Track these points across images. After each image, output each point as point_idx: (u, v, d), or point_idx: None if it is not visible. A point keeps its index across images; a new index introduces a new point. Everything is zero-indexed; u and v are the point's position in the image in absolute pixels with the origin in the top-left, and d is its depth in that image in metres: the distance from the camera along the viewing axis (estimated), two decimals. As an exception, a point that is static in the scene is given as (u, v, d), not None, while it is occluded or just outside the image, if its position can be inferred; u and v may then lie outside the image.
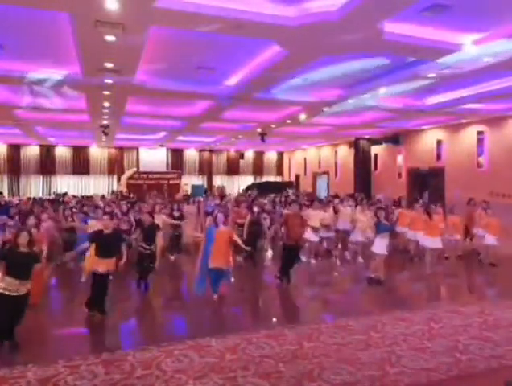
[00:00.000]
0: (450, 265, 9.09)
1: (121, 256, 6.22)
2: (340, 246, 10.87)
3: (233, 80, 10.48)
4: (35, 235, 5.37)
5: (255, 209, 10.53)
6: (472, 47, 7.59)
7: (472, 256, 9.97)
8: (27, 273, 4.82)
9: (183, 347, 4.79)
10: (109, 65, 8.49)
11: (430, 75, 9.52)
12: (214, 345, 4.86)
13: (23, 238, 4.88)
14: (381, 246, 7.76)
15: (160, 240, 7.54)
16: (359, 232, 9.53)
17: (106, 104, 12.28)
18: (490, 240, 9.27)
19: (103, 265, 5.93)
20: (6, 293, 4.68)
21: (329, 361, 4.46)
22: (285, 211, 10.60)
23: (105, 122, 15.50)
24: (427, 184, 17.91)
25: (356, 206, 11.30)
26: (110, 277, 6.26)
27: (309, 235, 9.30)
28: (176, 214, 10.21)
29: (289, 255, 7.93)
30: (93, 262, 6.02)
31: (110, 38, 6.92)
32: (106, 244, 6.00)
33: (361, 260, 9.70)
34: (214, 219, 6.95)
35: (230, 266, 6.92)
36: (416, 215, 9.61)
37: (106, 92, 10.80)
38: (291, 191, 21.92)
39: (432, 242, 8.61)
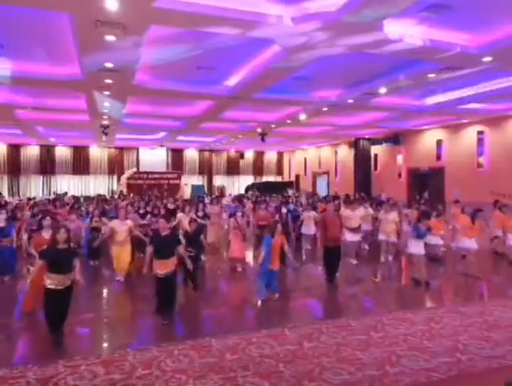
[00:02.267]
0: (468, 266, 8.95)
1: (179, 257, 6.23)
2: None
3: (233, 80, 10.48)
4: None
5: (283, 210, 10.48)
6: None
7: (493, 257, 10.06)
8: (68, 267, 5.18)
9: (183, 347, 4.78)
10: (109, 65, 8.50)
11: (430, 75, 9.53)
12: (214, 345, 4.86)
13: (62, 234, 5.18)
14: (417, 246, 7.75)
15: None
16: (384, 233, 9.64)
17: (106, 104, 12.28)
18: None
19: (162, 267, 5.92)
20: (52, 287, 5.08)
21: (329, 361, 4.45)
22: (307, 213, 10.74)
23: (105, 122, 15.51)
24: (427, 184, 17.92)
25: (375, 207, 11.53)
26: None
27: (348, 235, 9.34)
28: (200, 214, 10.27)
29: (331, 256, 7.94)
30: (155, 265, 6.02)
31: (110, 38, 6.92)
32: (163, 247, 5.98)
33: (389, 258, 9.77)
34: (272, 230, 7.03)
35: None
36: (434, 220, 9.31)
37: (106, 92, 10.81)
38: (290, 191, 21.94)
39: (469, 243, 8.48)
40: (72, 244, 5.45)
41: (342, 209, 10.47)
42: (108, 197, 18.89)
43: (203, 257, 9.65)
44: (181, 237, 7.33)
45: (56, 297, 5.10)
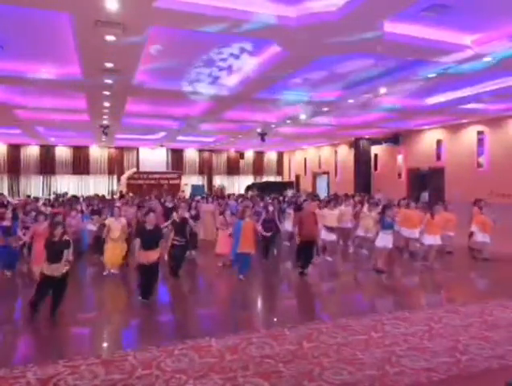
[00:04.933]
0: (444, 263, 9.22)
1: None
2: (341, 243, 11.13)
3: (233, 80, 10.48)
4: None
5: (270, 208, 10.86)
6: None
7: (465, 253, 10.29)
8: (61, 257, 5.78)
9: (183, 347, 4.78)
10: (109, 65, 8.50)
11: (430, 75, 9.53)
12: (214, 345, 4.86)
13: (59, 230, 5.89)
14: (384, 239, 8.29)
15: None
16: (363, 228, 10.06)
17: (106, 104, 12.29)
18: (483, 237, 9.66)
19: (148, 257, 6.56)
20: (49, 273, 5.72)
21: (329, 361, 4.45)
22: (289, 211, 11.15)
23: (105, 122, 15.51)
24: (427, 184, 17.92)
25: (361, 205, 11.69)
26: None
27: (324, 234, 9.53)
28: (193, 212, 10.41)
29: (304, 250, 8.37)
30: (139, 255, 6.69)
31: (110, 38, 6.92)
32: (149, 239, 6.65)
33: (365, 252, 10.22)
34: (242, 214, 8.26)
35: (253, 251, 8.16)
36: (412, 213, 9.81)
37: (106, 92, 10.81)
38: (290, 192, 21.90)
39: (432, 239, 8.95)
40: (66, 237, 5.98)
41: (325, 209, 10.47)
42: (108, 197, 18.95)
43: (193, 252, 10.08)
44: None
45: (51, 283, 5.71)
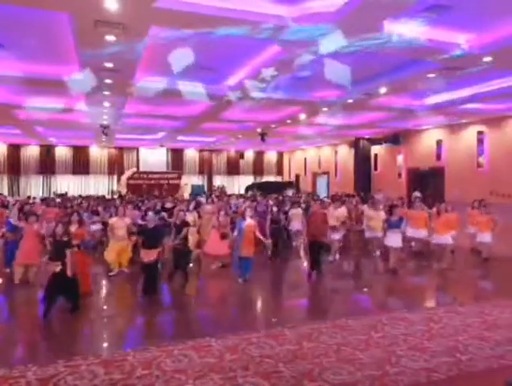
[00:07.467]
0: (446, 262, 9.25)
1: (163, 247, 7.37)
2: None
3: (233, 80, 10.47)
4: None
5: (274, 209, 10.88)
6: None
7: (465, 252, 10.37)
8: (63, 256, 5.94)
9: (183, 347, 4.78)
10: (109, 65, 8.50)
11: (430, 75, 9.52)
12: (214, 345, 4.86)
13: (60, 229, 6.06)
14: (394, 239, 8.38)
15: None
16: (370, 229, 9.98)
17: (106, 104, 12.28)
18: (483, 237, 9.66)
19: (148, 256, 6.82)
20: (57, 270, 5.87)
21: (329, 361, 4.45)
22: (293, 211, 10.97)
23: (105, 122, 15.51)
24: (427, 184, 17.90)
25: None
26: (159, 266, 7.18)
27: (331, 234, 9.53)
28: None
29: (313, 250, 8.28)
30: (142, 253, 7.01)
31: (110, 38, 6.92)
32: (150, 237, 6.94)
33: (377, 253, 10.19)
34: (242, 214, 8.05)
35: (252, 255, 7.92)
36: (417, 213, 9.75)
37: (106, 92, 10.81)
38: (290, 192, 21.89)
39: (443, 239, 8.93)
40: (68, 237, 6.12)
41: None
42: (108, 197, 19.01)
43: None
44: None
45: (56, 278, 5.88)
